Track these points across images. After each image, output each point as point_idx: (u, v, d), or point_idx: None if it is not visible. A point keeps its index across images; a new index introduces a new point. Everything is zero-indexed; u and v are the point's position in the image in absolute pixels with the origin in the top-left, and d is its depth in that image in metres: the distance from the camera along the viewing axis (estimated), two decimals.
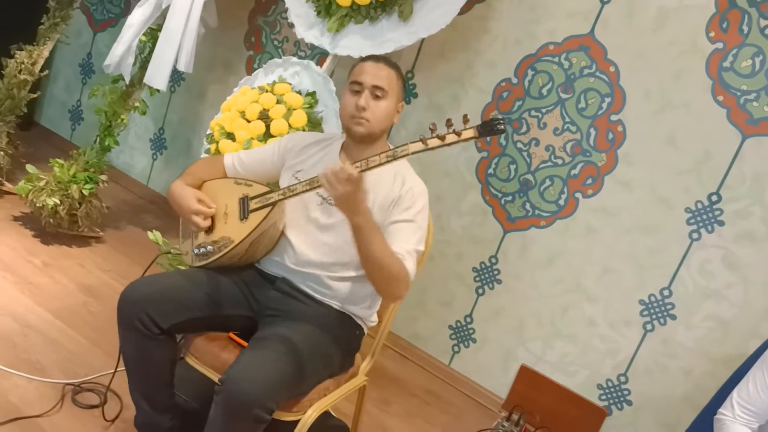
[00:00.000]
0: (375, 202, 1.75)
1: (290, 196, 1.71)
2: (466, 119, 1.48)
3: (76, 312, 2.50)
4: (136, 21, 2.84)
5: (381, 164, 1.56)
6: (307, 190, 1.68)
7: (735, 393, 1.76)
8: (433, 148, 1.51)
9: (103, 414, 2.00)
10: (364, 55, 2.44)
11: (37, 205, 2.85)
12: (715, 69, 2.36)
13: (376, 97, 1.76)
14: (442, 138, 1.50)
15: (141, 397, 1.75)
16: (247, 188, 1.81)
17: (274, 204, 1.73)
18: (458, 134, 1.48)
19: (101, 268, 2.88)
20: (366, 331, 1.92)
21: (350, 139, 1.83)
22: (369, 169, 1.56)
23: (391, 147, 1.65)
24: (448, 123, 1.49)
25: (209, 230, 1.85)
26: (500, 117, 1.48)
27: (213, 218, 1.85)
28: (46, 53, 3.19)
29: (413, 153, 1.54)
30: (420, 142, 1.52)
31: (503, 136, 2.74)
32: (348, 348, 1.84)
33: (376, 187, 1.75)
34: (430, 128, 1.51)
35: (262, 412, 1.49)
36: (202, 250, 1.82)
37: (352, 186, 1.49)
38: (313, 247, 1.80)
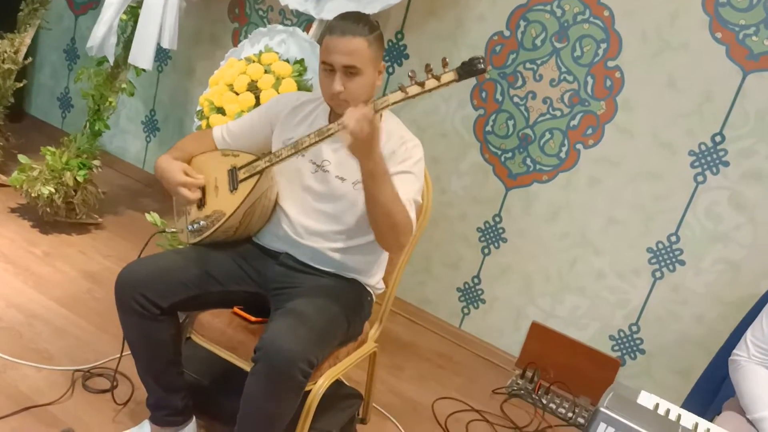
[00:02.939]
0: None
1: (277, 162, 1.67)
2: (444, 62, 1.42)
3: (80, 299, 2.49)
4: (115, 0, 2.77)
5: None
6: (292, 154, 1.64)
7: (749, 333, 1.74)
8: (414, 96, 1.46)
9: (113, 397, 2.00)
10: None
11: (33, 195, 2.82)
12: (712, 5, 2.29)
13: (350, 75, 1.66)
14: (421, 84, 1.44)
15: (150, 379, 1.74)
16: (234, 159, 1.77)
17: (261, 171, 1.69)
18: (438, 78, 1.43)
19: (102, 253, 2.86)
20: (374, 298, 1.90)
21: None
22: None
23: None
24: (428, 68, 1.43)
25: (201, 205, 1.81)
26: (479, 56, 1.41)
27: (204, 192, 1.81)
28: (28, 40, 3.13)
29: (394, 103, 1.49)
30: (399, 91, 1.47)
31: (499, 90, 2.68)
32: (360, 314, 1.82)
33: None
34: (409, 76, 1.46)
35: (306, 367, 1.48)
36: (195, 225, 1.79)
37: (369, 127, 1.44)
38: (309, 216, 1.76)
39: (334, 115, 1.78)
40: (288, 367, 1.47)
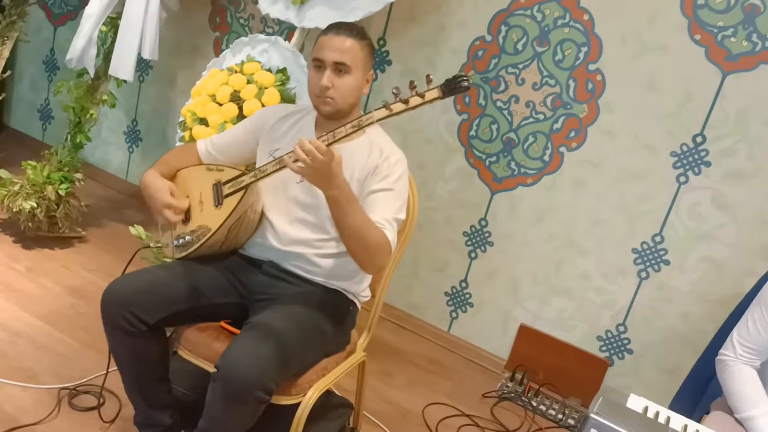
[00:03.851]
0: (353, 175, 1.71)
1: (262, 178, 1.67)
2: (429, 79, 1.43)
3: (65, 315, 2.46)
4: (94, 11, 2.74)
5: (348, 134, 1.51)
6: (277, 170, 1.63)
7: (735, 332, 1.75)
8: (398, 113, 1.46)
9: (100, 415, 1.97)
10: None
11: (14, 210, 2.78)
12: (690, 7, 2.31)
13: (340, 73, 1.68)
14: (405, 102, 1.45)
15: (138, 396, 1.72)
16: (219, 173, 1.76)
17: (246, 187, 1.69)
18: (422, 96, 1.44)
19: (86, 267, 2.83)
20: (359, 306, 1.90)
21: (320, 115, 1.79)
22: (336, 141, 1.51)
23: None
24: (411, 85, 1.44)
25: (186, 220, 1.80)
26: (463, 74, 1.43)
27: (189, 207, 1.80)
28: (6, 53, 3.10)
29: (378, 120, 1.49)
30: (384, 108, 1.47)
31: (482, 95, 2.69)
32: (342, 325, 1.81)
33: (352, 160, 1.71)
34: (393, 92, 1.46)
35: (262, 394, 1.48)
36: (180, 240, 1.78)
37: (321, 161, 1.44)
38: (294, 225, 1.76)
39: (320, 123, 1.79)
40: (244, 395, 1.46)
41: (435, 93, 1.43)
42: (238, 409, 1.50)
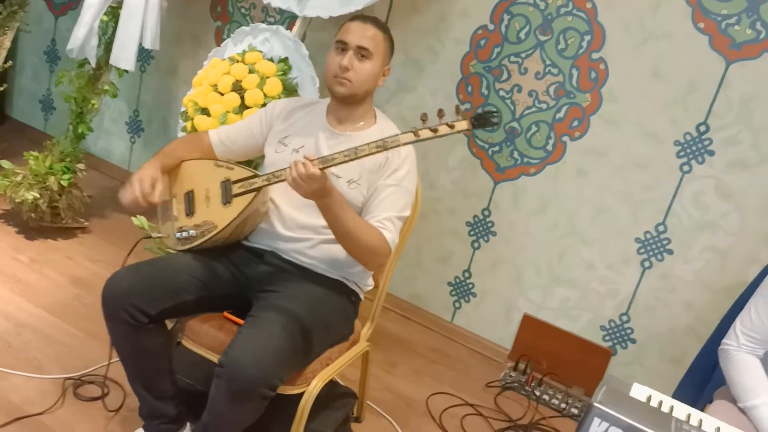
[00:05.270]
0: (363, 165, 1.71)
1: (275, 182, 1.67)
2: (458, 110, 1.46)
3: (69, 305, 2.47)
4: (95, 1, 2.73)
5: (370, 154, 1.54)
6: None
7: (738, 322, 1.75)
8: (424, 140, 1.49)
9: (105, 405, 1.98)
10: (334, 15, 2.41)
11: (17, 200, 2.78)
12: None
13: (361, 57, 1.72)
14: (434, 130, 1.47)
15: (142, 388, 1.72)
16: (228, 171, 1.75)
17: (258, 190, 1.69)
18: (451, 126, 1.46)
19: (90, 258, 2.83)
20: (362, 296, 1.90)
21: (334, 100, 1.80)
22: (358, 158, 1.54)
23: (379, 129, 1.75)
24: (440, 113, 1.47)
25: (190, 213, 1.80)
26: (495, 110, 1.48)
27: (193, 200, 1.80)
28: (7, 43, 3.09)
29: (404, 144, 1.53)
30: (411, 134, 1.50)
31: (485, 84, 2.68)
32: (345, 316, 1.82)
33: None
34: (421, 119, 1.49)
35: (267, 390, 1.48)
36: (184, 234, 1.77)
37: (316, 184, 1.49)
38: (300, 210, 1.76)
39: (332, 110, 1.81)
40: (248, 392, 1.47)
41: (464, 125, 1.46)
42: (242, 406, 1.50)
